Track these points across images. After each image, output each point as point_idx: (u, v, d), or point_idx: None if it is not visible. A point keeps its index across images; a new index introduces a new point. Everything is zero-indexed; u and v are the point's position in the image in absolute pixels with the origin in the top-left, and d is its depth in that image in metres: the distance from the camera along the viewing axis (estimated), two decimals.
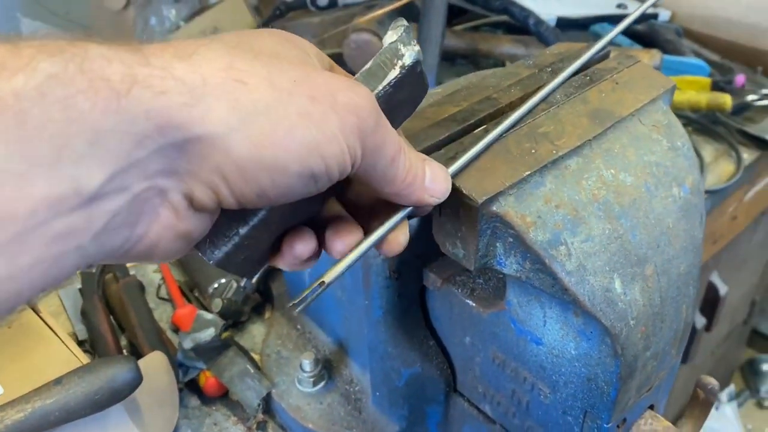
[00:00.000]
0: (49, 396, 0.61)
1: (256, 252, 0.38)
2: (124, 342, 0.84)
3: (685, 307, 0.52)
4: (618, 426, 0.53)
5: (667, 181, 0.50)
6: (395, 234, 0.40)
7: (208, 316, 0.81)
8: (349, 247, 0.39)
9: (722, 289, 1.37)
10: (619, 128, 0.50)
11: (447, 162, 0.43)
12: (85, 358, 0.71)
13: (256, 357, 0.81)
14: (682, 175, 0.51)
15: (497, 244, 0.46)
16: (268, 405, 0.78)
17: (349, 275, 0.67)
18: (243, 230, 0.36)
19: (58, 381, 0.62)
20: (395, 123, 0.39)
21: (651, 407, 0.57)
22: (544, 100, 0.49)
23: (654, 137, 0.51)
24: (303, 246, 0.39)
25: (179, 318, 0.85)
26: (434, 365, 0.65)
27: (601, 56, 0.56)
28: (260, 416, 0.77)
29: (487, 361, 0.60)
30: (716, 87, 1.19)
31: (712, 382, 0.59)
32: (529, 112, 0.48)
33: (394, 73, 0.37)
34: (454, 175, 0.43)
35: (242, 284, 0.86)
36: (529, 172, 0.44)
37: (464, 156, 0.43)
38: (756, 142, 1.14)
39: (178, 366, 0.78)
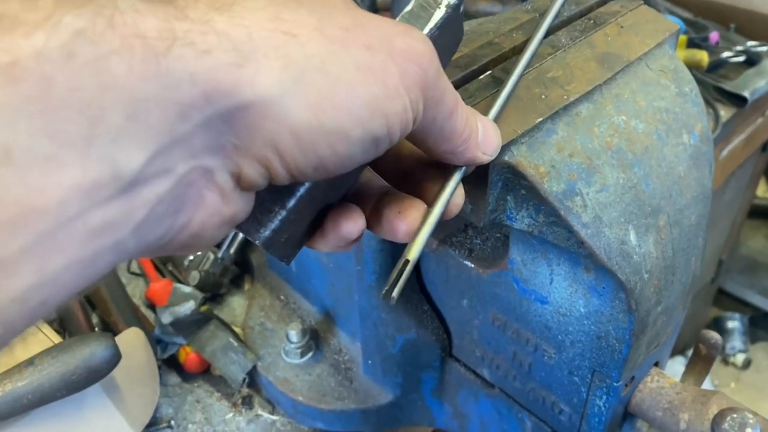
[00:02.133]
0: (21, 378, 0.57)
1: (299, 230, 0.34)
2: (95, 319, 0.80)
3: (694, 259, 0.50)
4: (626, 384, 0.52)
5: (677, 128, 0.48)
6: (453, 196, 0.36)
7: (186, 289, 0.77)
8: (415, 225, 0.34)
9: None
10: (628, 73, 0.47)
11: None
12: (57, 337, 0.67)
13: (237, 330, 0.78)
14: (691, 122, 0.49)
15: (508, 198, 0.43)
16: (253, 379, 0.75)
17: None
18: (290, 203, 0.32)
19: (30, 362, 0.58)
20: None
21: (656, 364, 0.56)
22: (546, 36, 0.47)
23: (662, 82, 0.48)
24: (351, 225, 0.34)
25: (154, 292, 0.80)
26: (429, 330, 0.63)
27: (602, 0, 0.53)
28: (245, 391, 0.74)
29: (486, 323, 0.58)
30: (692, 44, 1.18)
31: (715, 336, 0.58)
32: (536, 54, 0.45)
33: (440, 14, 0.34)
34: None
35: (220, 255, 0.82)
36: (540, 119, 0.41)
37: (496, 104, 0.40)
38: (732, 98, 1.13)
39: (156, 342, 0.74)
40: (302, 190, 0.32)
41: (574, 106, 0.44)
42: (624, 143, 0.45)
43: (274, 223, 0.32)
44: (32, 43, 0.20)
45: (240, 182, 0.27)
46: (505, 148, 0.40)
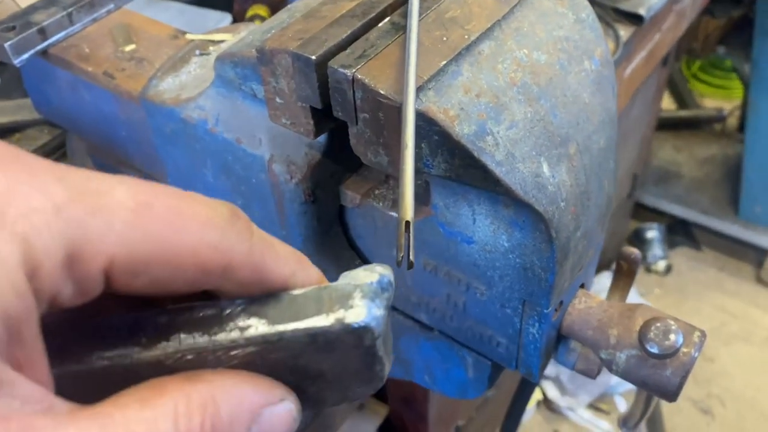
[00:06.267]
0: None
1: None
2: None
3: (606, 182, 0.52)
4: (556, 310, 0.54)
5: (578, 55, 0.49)
6: None
7: None
8: None
9: None
10: (525, 5, 0.47)
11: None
12: None
13: None
14: (591, 47, 0.50)
15: (422, 145, 0.43)
16: None
17: (259, 206, 0.63)
18: None
19: None
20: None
21: (582, 286, 0.58)
22: None
23: (560, 11, 0.49)
24: None
25: None
26: None
27: None
28: None
29: (418, 270, 0.58)
30: None
31: (634, 251, 0.60)
32: None
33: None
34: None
35: None
36: (444, 62, 0.41)
37: (412, 56, 0.39)
38: (630, 18, 1.16)
39: None
40: None
41: (476, 45, 0.43)
42: (528, 77, 0.45)
43: None
44: None
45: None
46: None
